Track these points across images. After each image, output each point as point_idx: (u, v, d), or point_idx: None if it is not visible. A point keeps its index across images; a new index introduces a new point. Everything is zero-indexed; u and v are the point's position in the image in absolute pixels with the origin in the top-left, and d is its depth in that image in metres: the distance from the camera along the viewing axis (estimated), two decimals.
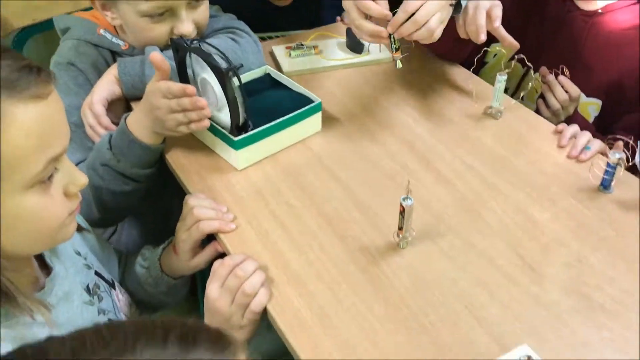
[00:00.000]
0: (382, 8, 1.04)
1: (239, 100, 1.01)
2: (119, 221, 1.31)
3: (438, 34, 1.04)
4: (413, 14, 1.01)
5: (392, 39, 1.07)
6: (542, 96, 1.29)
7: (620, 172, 0.99)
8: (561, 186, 1.02)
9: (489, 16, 1.10)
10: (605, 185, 1.00)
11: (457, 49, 1.28)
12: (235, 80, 1.00)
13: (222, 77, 0.97)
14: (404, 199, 0.86)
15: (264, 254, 0.91)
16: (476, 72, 1.37)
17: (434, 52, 1.35)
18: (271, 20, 1.49)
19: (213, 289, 0.85)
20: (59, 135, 0.69)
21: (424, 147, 1.12)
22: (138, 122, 1.04)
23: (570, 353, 0.76)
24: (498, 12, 1.11)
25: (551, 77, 1.24)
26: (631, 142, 0.98)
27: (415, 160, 1.09)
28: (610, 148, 1.03)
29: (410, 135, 1.14)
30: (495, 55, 1.42)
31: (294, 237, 0.94)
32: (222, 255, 0.93)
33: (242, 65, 1.00)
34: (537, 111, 1.25)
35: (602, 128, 1.28)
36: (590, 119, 1.31)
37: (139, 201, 1.16)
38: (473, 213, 0.97)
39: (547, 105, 1.26)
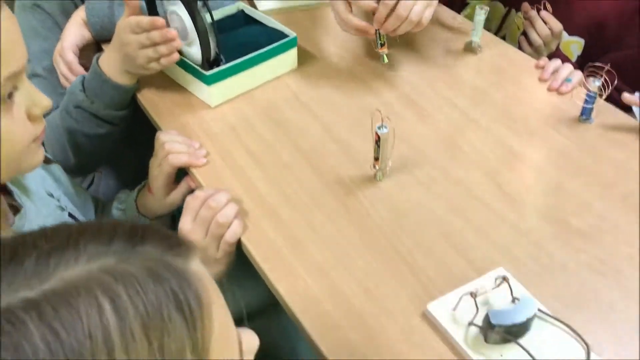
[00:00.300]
0: (372, 1, 1.01)
1: (210, 32, 0.98)
2: (96, 167, 1.29)
3: (426, 20, 0.99)
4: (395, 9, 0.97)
5: (378, 34, 1.04)
6: (524, 33, 1.27)
7: (600, 100, 0.98)
8: (541, 118, 1.01)
9: None
10: (585, 115, 0.99)
11: None
12: (205, 12, 0.96)
13: (191, 7, 0.94)
14: (379, 128, 0.84)
15: (239, 188, 0.89)
16: (459, 12, 1.34)
17: None
18: None
19: (186, 222, 0.83)
20: (14, 52, 0.66)
21: (403, 83, 1.09)
22: (110, 62, 1.00)
23: (548, 276, 0.76)
24: None
25: (533, 12, 1.21)
26: (608, 67, 0.96)
27: (394, 96, 1.07)
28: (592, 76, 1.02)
29: (389, 71, 1.11)
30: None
31: (269, 172, 0.92)
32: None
33: None
34: (520, 49, 1.23)
35: (586, 64, 1.26)
36: (573, 58, 1.29)
37: (115, 146, 1.14)
38: (452, 146, 0.96)
39: (529, 42, 1.24)
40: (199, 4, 0.95)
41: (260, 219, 0.85)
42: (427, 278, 0.76)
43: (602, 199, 0.86)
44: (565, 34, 1.25)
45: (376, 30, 1.03)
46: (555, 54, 1.22)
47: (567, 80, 1.06)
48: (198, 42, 0.98)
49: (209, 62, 1.01)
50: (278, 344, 1.14)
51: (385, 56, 1.08)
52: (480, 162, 0.92)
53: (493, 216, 0.84)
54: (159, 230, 0.41)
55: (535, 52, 1.22)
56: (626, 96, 0.99)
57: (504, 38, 1.33)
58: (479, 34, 1.15)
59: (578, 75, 1.06)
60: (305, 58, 1.16)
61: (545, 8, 1.21)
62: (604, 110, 1.01)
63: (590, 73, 0.97)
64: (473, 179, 0.90)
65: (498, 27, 1.38)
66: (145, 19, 0.93)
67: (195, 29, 0.96)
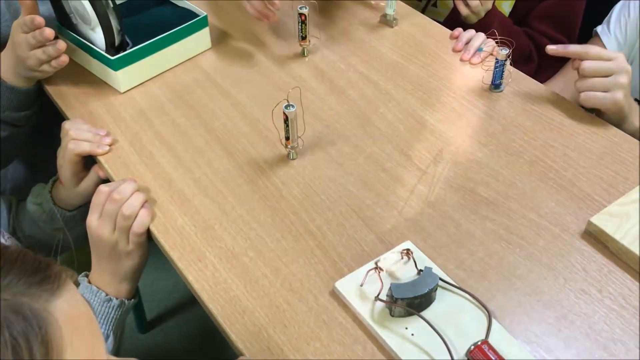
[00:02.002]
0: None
1: (112, 16, 0.94)
2: (8, 164, 1.24)
3: None
4: None
5: (300, 27, 1.03)
6: None
7: (510, 69, 0.99)
8: (453, 89, 1.02)
9: None
10: (495, 84, 1.00)
11: None
12: None
13: None
14: (286, 107, 0.83)
15: (147, 175, 0.87)
16: None
17: None
18: None
19: (92, 219, 0.81)
20: None
21: (317, 58, 1.08)
22: (4, 63, 0.97)
23: (454, 246, 0.77)
24: None
25: None
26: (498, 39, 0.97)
27: (308, 71, 1.06)
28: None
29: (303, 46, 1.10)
30: None
31: (180, 156, 0.90)
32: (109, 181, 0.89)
33: None
34: (455, 12, 1.21)
35: (518, 20, 1.28)
36: (507, 15, 1.30)
37: (27, 142, 1.09)
38: (364, 120, 0.96)
39: (466, 4, 1.21)
40: None
41: (170, 205, 0.83)
42: (337, 255, 0.76)
43: (508, 166, 0.87)
44: None
45: (299, 22, 1.03)
46: (492, 12, 1.20)
47: (480, 49, 1.07)
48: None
49: (113, 47, 0.97)
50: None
51: (306, 49, 1.07)
52: (392, 136, 0.93)
53: (403, 189, 0.84)
54: (28, 261, 0.39)
55: (473, 13, 1.19)
56: (549, 48, 0.98)
57: (435, 5, 1.33)
58: (393, 7, 1.14)
59: (490, 44, 1.07)
60: (220, 37, 1.13)
61: None
62: (515, 78, 1.03)
63: (500, 42, 0.98)
64: (384, 152, 0.90)
65: None
66: (29, 17, 0.89)
67: (95, 12, 0.93)
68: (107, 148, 0.90)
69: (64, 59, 0.93)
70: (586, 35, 1.24)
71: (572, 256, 0.75)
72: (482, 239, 0.78)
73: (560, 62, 1.23)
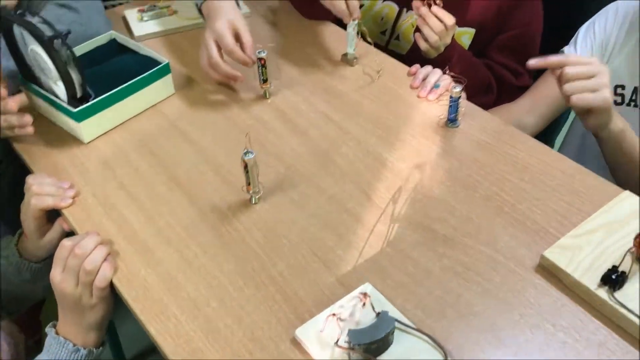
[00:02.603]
0: (246, 56, 1.05)
1: (72, 69, 0.96)
2: None
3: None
4: None
5: (261, 71, 1.06)
6: (419, 30, 1.28)
7: (463, 105, 1.02)
8: (412, 126, 1.04)
9: None
10: (451, 120, 1.03)
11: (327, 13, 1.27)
12: (65, 49, 0.94)
13: (47, 46, 0.92)
14: (245, 154, 0.85)
15: (111, 226, 0.88)
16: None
17: (307, 17, 1.33)
18: None
19: (56, 274, 0.82)
20: None
21: (279, 100, 1.11)
22: None
23: (413, 285, 0.79)
24: None
25: (424, 9, 1.20)
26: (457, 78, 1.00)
27: (270, 113, 1.08)
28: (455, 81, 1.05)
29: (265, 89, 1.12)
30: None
31: (143, 206, 0.91)
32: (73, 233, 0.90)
33: (69, 32, 0.94)
34: (416, 45, 1.24)
35: (478, 52, 1.32)
36: (466, 47, 1.33)
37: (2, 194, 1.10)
38: (326, 160, 0.98)
39: (425, 39, 1.25)
40: (57, 42, 0.93)
41: (133, 256, 0.84)
42: (298, 300, 0.77)
43: (465, 202, 0.89)
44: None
45: (259, 67, 1.05)
46: (452, 45, 1.24)
47: (436, 86, 1.09)
48: None
49: (75, 99, 0.99)
50: None
51: (267, 91, 1.10)
52: (353, 175, 0.95)
53: (363, 229, 0.86)
54: None
55: (432, 48, 1.23)
56: (530, 62, 1.00)
57: (398, 38, 1.36)
58: (352, 46, 1.17)
59: (446, 80, 1.10)
60: (184, 82, 1.15)
61: (435, 3, 1.22)
62: (471, 112, 1.06)
63: (453, 79, 1.01)
64: (346, 192, 0.92)
65: (392, 27, 1.41)
66: None
67: (55, 67, 0.94)
68: (70, 201, 0.91)
69: (29, 130, 0.95)
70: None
71: (527, 291, 0.77)
72: (439, 277, 0.79)
73: (520, 91, 1.27)
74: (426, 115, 1.06)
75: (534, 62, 0.98)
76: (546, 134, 1.39)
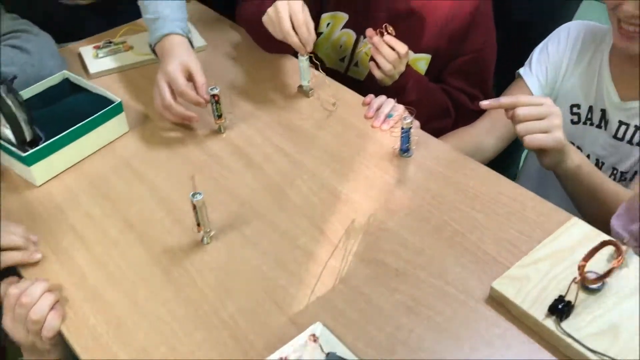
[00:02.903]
0: (199, 97, 1.06)
1: (20, 113, 0.95)
2: None
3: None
4: None
5: (215, 107, 1.07)
6: (373, 59, 1.29)
7: (415, 136, 1.03)
8: (366, 156, 1.05)
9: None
10: (404, 150, 1.03)
11: (285, 47, 1.27)
12: (11, 94, 0.93)
13: None
14: (192, 195, 0.85)
15: (61, 272, 0.87)
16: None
17: (266, 51, 1.34)
18: (76, 27, 1.39)
19: (7, 322, 0.81)
20: None
21: (234, 134, 1.11)
22: None
23: (364, 322, 0.78)
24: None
25: (377, 39, 1.21)
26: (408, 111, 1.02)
27: (225, 149, 1.08)
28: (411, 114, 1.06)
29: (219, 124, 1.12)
30: (329, 24, 1.42)
31: (94, 250, 0.90)
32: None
33: (15, 77, 0.94)
34: (370, 74, 1.24)
35: (434, 77, 1.33)
36: (423, 73, 1.34)
37: None
38: (279, 195, 0.98)
39: (379, 67, 1.25)
40: (2, 87, 0.92)
41: (83, 303, 0.83)
42: (249, 344, 0.77)
43: (417, 233, 0.90)
44: (411, 52, 1.30)
45: (213, 103, 1.05)
46: (407, 72, 1.24)
47: (390, 115, 1.10)
48: None
49: (25, 143, 0.98)
50: None
51: (222, 126, 1.10)
52: (306, 210, 0.95)
53: (316, 266, 0.86)
54: None
55: (387, 76, 1.23)
56: (482, 104, 1.03)
57: (357, 64, 1.37)
58: (307, 78, 1.18)
59: (399, 110, 1.11)
60: (138, 119, 1.15)
61: (388, 32, 1.22)
62: (424, 141, 1.06)
63: (406, 108, 1.02)
64: (299, 228, 0.92)
65: (351, 54, 1.42)
66: None
67: (1, 112, 0.93)
68: (39, 256, 0.88)
69: None
70: (508, 78, 1.30)
71: (477, 323, 0.78)
72: (391, 313, 0.79)
73: (477, 115, 1.28)
74: (381, 146, 1.06)
75: (486, 104, 1.01)
76: (509, 156, 1.41)
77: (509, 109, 0.99)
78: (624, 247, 0.78)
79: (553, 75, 1.24)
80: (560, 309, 0.74)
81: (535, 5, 1.52)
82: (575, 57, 1.21)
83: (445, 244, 0.88)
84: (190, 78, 1.08)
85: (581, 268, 0.76)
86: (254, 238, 0.91)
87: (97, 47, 1.31)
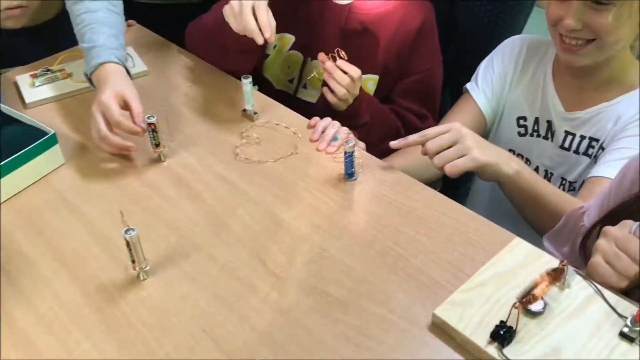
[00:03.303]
0: (134, 126, 1.03)
1: None
2: None
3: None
4: None
5: (152, 136, 1.04)
6: (326, 84, 1.27)
7: (360, 158, 1.01)
8: (310, 182, 1.03)
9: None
10: (349, 174, 1.02)
11: (240, 61, 1.25)
12: None
13: None
14: (125, 231, 0.81)
15: None
16: (260, 65, 1.35)
17: (221, 68, 1.31)
18: (12, 54, 1.35)
19: None
20: None
21: (175, 162, 1.08)
22: None
23: (306, 355, 0.76)
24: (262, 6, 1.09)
25: (329, 64, 1.20)
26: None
27: (165, 178, 1.04)
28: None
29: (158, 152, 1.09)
30: (275, 46, 1.41)
31: (25, 290, 0.86)
32: None
33: None
34: (324, 98, 1.23)
35: (383, 98, 1.33)
36: (372, 93, 1.33)
37: None
38: (220, 225, 0.95)
39: (333, 91, 1.24)
40: None
41: (10, 351, 0.78)
42: None
43: (361, 260, 0.88)
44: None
45: (150, 131, 1.02)
46: (360, 95, 1.23)
47: (335, 138, 1.09)
48: None
49: None
50: None
51: (161, 155, 1.07)
52: (247, 240, 0.92)
53: (256, 299, 0.83)
54: None
55: (341, 100, 1.21)
56: (392, 144, 1.03)
57: (305, 86, 1.35)
58: (250, 102, 1.16)
59: (343, 132, 1.09)
60: (75, 150, 1.11)
61: (340, 56, 1.20)
62: (368, 163, 1.05)
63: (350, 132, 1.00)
64: (239, 260, 0.89)
65: (299, 76, 1.40)
66: None
67: None
68: None
69: None
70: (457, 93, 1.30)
71: (421, 351, 0.76)
72: (332, 345, 0.77)
73: None
74: (325, 170, 1.05)
75: (395, 144, 1.01)
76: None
77: (422, 145, 0.99)
78: (564, 268, 0.77)
79: (499, 89, 1.25)
80: (502, 334, 0.73)
81: (483, 18, 1.53)
82: (519, 70, 1.22)
83: (389, 269, 0.86)
84: (126, 106, 1.05)
85: (522, 303, 0.74)
86: (193, 272, 0.88)
87: (34, 76, 1.27)
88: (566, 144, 1.17)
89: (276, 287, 0.85)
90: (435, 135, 0.98)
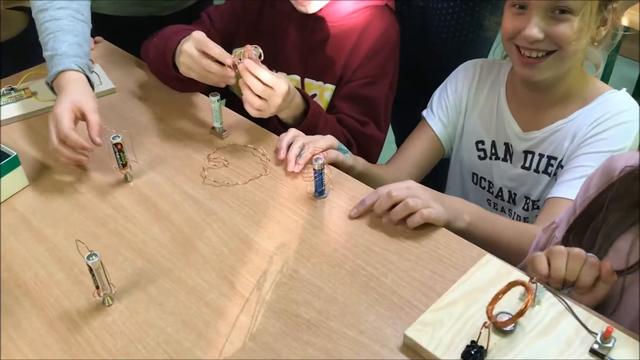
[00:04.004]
0: (83, 142, 1.01)
1: None
2: None
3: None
4: None
5: (118, 156, 1.02)
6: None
7: (329, 176, 1.00)
8: (280, 200, 1.01)
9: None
10: (318, 191, 1.01)
11: (186, 86, 1.23)
12: None
13: None
14: (88, 257, 0.79)
15: None
16: None
17: (179, 90, 1.29)
18: None
19: None
20: None
21: (142, 182, 1.06)
22: None
23: None
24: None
25: (241, 66, 1.06)
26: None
27: (131, 199, 1.02)
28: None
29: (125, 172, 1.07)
30: (240, 59, 1.39)
31: None
32: None
33: None
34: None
35: (331, 106, 1.29)
36: (328, 102, 1.31)
37: None
38: (188, 247, 0.93)
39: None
40: None
41: None
42: None
43: (331, 280, 0.87)
44: (321, 83, 1.29)
45: (116, 152, 1.00)
46: (314, 110, 1.17)
47: (299, 155, 1.06)
48: None
49: None
50: None
51: (128, 175, 1.05)
52: (215, 262, 0.90)
53: (225, 324, 0.81)
54: None
55: (259, 111, 1.09)
56: (351, 214, 0.98)
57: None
58: (219, 120, 1.14)
59: (310, 149, 1.06)
60: (39, 171, 1.09)
61: (248, 56, 1.07)
62: (338, 180, 1.04)
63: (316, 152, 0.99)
64: (208, 283, 0.87)
65: None
66: None
67: None
68: None
69: None
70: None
71: None
72: None
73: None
74: (295, 188, 1.04)
75: (354, 213, 0.96)
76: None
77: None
78: (533, 286, 0.77)
79: (454, 115, 1.25)
80: (473, 354, 0.72)
81: (454, 24, 1.53)
82: (473, 94, 1.22)
83: (359, 289, 0.85)
84: (83, 117, 1.03)
85: (489, 311, 0.74)
86: (160, 297, 0.85)
87: None
88: (526, 164, 1.17)
89: (246, 311, 0.83)
90: (387, 194, 0.94)
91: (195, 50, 1.08)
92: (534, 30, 1.02)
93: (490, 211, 1.14)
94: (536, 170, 1.15)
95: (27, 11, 1.41)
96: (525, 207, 1.20)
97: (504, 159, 1.20)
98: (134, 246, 0.93)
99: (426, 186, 1.10)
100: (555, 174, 1.13)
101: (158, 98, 1.28)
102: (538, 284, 0.78)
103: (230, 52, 1.31)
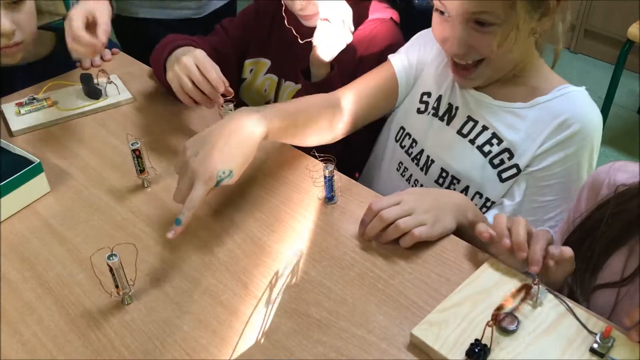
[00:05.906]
0: (94, 41, 1.12)
1: None
2: None
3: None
4: None
5: (136, 162, 1.06)
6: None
7: (339, 183, 1.04)
8: (292, 206, 1.05)
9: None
10: (328, 197, 1.04)
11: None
12: None
13: None
14: (108, 257, 0.83)
15: None
16: (236, 89, 1.38)
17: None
18: (5, 90, 1.37)
19: None
20: None
21: (159, 188, 1.10)
22: None
23: None
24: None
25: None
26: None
27: (148, 204, 1.06)
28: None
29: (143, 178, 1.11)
30: (252, 70, 1.44)
31: (8, 317, 0.87)
32: None
33: None
34: None
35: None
36: None
37: None
38: (204, 249, 0.97)
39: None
40: None
41: None
42: None
43: (340, 281, 0.90)
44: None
45: (134, 157, 1.04)
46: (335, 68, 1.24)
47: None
48: None
49: None
50: None
51: (145, 181, 1.09)
52: (229, 264, 0.94)
53: (238, 322, 0.85)
54: None
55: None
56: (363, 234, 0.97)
57: None
58: None
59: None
60: (60, 177, 1.13)
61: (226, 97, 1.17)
62: (348, 187, 1.08)
63: (324, 159, 1.02)
64: (222, 284, 0.91)
65: (275, 98, 1.43)
66: None
67: None
68: None
69: None
70: None
71: None
72: None
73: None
74: (306, 194, 1.07)
75: (365, 237, 0.96)
76: None
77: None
78: (534, 287, 0.80)
79: (420, 58, 1.21)
80: (477, 352, 0.75)
81: None
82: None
83: (367, 291, 0.88)
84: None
85: (496, 317, 0.77)
86: (176, 297, 0.89)
87: (20, 104, 1.29)
88: (464, 130, 1.10)
89: (258, 310, 0.86)
90: (379, 216, 0.94)
91: (195, 66, 1.13)
92: (455, 46, 1.00)
93: (396, 178, 1.16)
94: (472, 142, 1.09)
95: (57, 30, 1.47)
96: (441, 182, 1.14)
97: (441, 118, 1.14)
98: (151, 249, 0.97)
99: None
100: (491, 158, 1.07)
101: (174, 108, 1.32)
102: (540, 285, 0.81)
103: (244, 60, 1.37)
